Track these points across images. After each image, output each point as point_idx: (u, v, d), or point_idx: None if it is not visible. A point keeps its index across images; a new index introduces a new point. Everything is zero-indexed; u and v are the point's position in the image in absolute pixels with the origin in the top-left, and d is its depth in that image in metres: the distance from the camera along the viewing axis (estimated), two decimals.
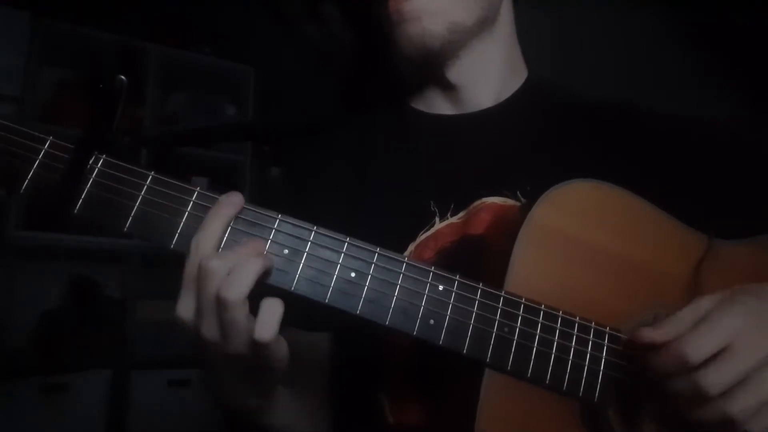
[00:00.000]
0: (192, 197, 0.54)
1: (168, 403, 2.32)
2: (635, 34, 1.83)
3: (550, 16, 1.59)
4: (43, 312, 2.37)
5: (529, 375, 0.56)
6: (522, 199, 0.70)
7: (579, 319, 0.59)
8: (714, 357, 0.51)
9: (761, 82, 1.63)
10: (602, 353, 0.58)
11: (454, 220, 0.71)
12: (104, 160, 0.53)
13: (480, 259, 0.67)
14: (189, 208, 0.54)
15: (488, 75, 0.78)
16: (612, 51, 1.78)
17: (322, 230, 0.55)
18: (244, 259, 0.51)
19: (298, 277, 0.54)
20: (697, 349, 0.51)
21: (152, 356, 2.29)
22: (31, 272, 2.40)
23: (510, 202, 0.70)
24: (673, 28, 1.85)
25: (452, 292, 0.56)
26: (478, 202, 0.71)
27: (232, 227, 0.54)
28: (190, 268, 0.52)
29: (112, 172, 0.53)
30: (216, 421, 2.37)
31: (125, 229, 0.54)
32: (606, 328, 0.59)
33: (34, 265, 2.40)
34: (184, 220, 0.54)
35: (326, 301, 0.54)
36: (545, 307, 0.58)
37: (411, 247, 0.70)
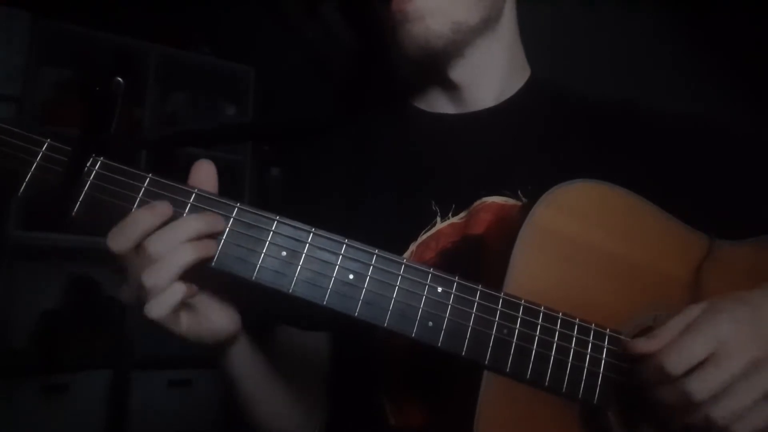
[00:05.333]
0: (190, 199, 0.54)
1: (168, 403, 2.33)
2: (636, 34, 1.82)
3: (551, 15, 1.59)
4: (43, 312, 2.38)
5: (528, 377, 0.56)
6: (523, 199, 0.70)
7: (579, 320, 0.58)
8: (699, 364, 0.52)
9: (761, 82, 1.63)
10: (602, 355, 0.58)
11: (455, 219, 0.71)
12: (102, 163, 0.53)
13: (480, 260, 0.66)
14: (187, 210, 0.54)
15: (491, 74, 0.77)
16: (612, 50, 1.78)
17: (320, 232, 0.55)
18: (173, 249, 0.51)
19: (296, 279, 0.54)
20: (678, 360, 0.52)
21: (152, 356, 2.29)
22: (31, 272, 2.40)
23: (511, 201, 0.70)
24: (673, 27, 1.84)
25: (451, 293, 0.56)
26: (479, 202, 0.71)
27: (230, 229, 0.54)
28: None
29: (109, 174, 0.53)
30: (216, 421, 2.37)
31: None
32: (606, 330, 0.59)
33: (34, 265, 2.41)
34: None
35: (324, 303, 0.54)
36: (545, 308, 0.57)
37: (412, 247, 0.70)
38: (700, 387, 0.51)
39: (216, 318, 0.59)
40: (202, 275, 0.54)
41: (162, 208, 0.52)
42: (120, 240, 0.51)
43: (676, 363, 0.52)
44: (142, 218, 0.51)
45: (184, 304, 0.54)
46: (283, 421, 0.74)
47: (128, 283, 0.53)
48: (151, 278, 0.50)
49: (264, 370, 0.70)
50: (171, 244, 0.51)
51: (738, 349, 0.52)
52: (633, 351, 0.55)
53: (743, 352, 0.52)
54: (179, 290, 0.52)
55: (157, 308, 0.51)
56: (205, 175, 0.57)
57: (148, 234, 0.51)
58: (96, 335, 2.31)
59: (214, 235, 0.54)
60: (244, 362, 0.67)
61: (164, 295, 0.51)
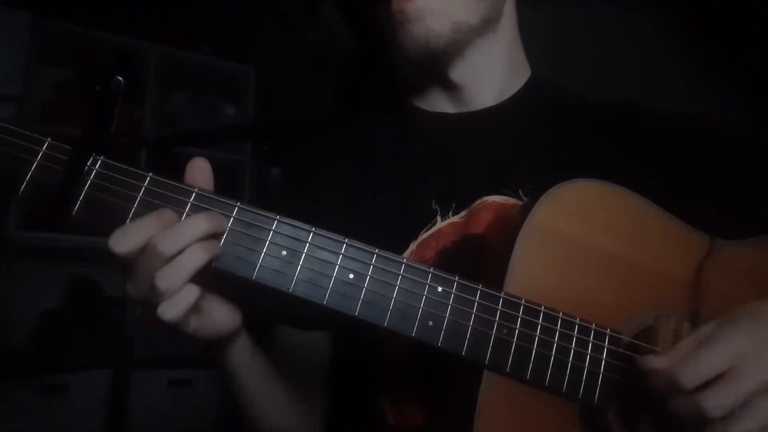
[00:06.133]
0: (190, 198, 0.54)
1: (168, 403, 2.32)
2: (636, 34, 1.82)
3: (551, 15, 1.59)
4: (43, 312, 2.38)
5: (528, 377, 0.56)
6: (523, 198, 0.70)
7: (579, 320, 0.58)
8: (716, 379, 0.51)
9: (761, 82, 1.62)
10: (602, 355, 0.58)
11: (455, 219, 0.71)
12: (102, 162, 0.53)
13: (480, 259, 0.66)
14: (187, 210, 0.54)
15: (491, 74, 0.78)
16: (612, 50, 1.78)
17: (320, 231, 0.55)
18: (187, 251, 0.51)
19: (296, 279, 0.54)
20: (693, 374, 0.51)
21: (152, 356, 2.28)
22: (31, 272, 2.40)
23: (511, 201, 0.70)
24: (673, 27, 1.84)
25: (451, 293, 0.56)
26: (479, 201, 0.71)
27: (230, 228, 0.54)
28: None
29: (110, 173, 0.53)
30: (216, 421, 2.37)
31: None
32: (606, 330, 0.59)
33: (34, 265, 2.40)
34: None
35: (324, 302, 0.54)
36: (545, 308, 0.57)
37: (412, 246, 0.70)
38: (715, 403, 0.50)
39: (218, 316, 0.59)
40: (204, 274, 0.54)
41: (169, 217, 0.52)
42: (123, 242, 0.51)
43: (690, 377, 0.51)
44: (148, 223, 0.51)
45: (196, 306, 0.54)
46: (282, 420, 0.74)
47: (134, 282, 0.52)
48: (165, 281, 0.50)
49: (264, 369, 0.70)
50: (180, 243, 0.51)
51: (754, 364, 0.51)
52: (644, 368, 0.54)
53: (759, 368, 0.51)
54: (193, 292, 0.52)
55: (172, 310, 0.51)
56: (200, 173, 0.56)
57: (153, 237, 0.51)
58: (96, 335, 2.31)
59: (217, 235, 0.54)
60: (244, 361, 0.67)
61: (178, 298, 0.51)
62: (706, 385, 0.51)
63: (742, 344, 0.52)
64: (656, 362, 0.54)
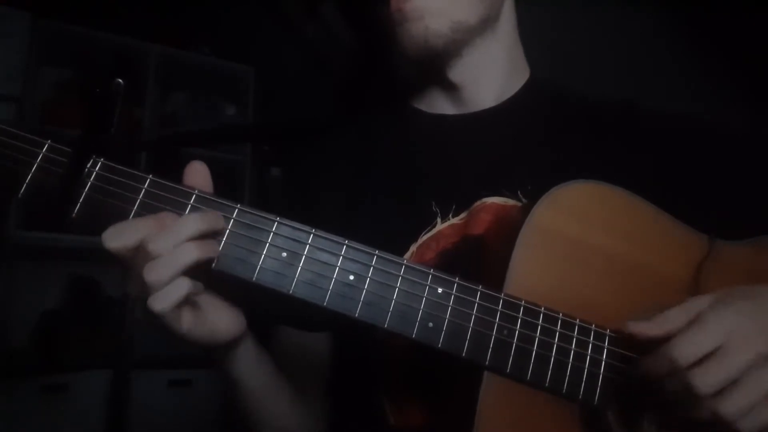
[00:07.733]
0: (190, 200, 0.54)
1: (168, 403, 2.32)
2: (635, 34, 1.82)
3: (551, 15, 1.59)
4: (43, 312, 2.38)
5: (528, 378, 0.56)
6: (523, 199, 0.70)
7: (579, 321, 0.58)
8: (706, 357, 0.52)
9: (761, 82, 1.63)
10: (602, 356, 0.58)
11: (455, 220, 0.71)
12: (102, 164, 0.53)
13: (480, 261, 0.66)
14: (187, 212, 0.54)
15: (490, 74, 0.78)
16: (612, 51, 1.78)
17: (320, 233, 0.55)
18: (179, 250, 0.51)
19: (296, 281, 0.54)
20: (687, 351, 0.52)
21: (152, 356, 2.28)
22: (31, 272, 2.40)
23: (511, 202, 0.70)
24: (673, 27, 1.84)
25: (451, 294, 0.56)
26: (479, 203, 0.71)
27: (230, 230, 0.54)
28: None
29: (110, 175, 0.53)
30: (216, 421, 2.37)
31: None
32: (606, 331, 0.59)
33: (34, 265, 2.40)
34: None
35: (325, 304, 0.54)
36: (545, 309, 0.58)
37: (412, 248, 0.70)
38: (704, 380, 0.51)
39: (218, 320, 0.58)
40: (208, 276, 0.54)
41: (167, 219, 0.52)
42: (115, 239, 0.51)
43: (686, 353, 0.51)
44: (142, 222, 0.51)
45: (189, 302, 0.54)
46: (283, 421, 0.74)
47: (130, 279, 0.52)
48: (152, 274, 0.50)
49: (269, 373, 0.69)
50: (172, 242, 0.50)
51: (744, 342, 0.52)
52: (632, 332, 0.55)
53: (750, 346, 0.52)
54: (184, 285, 0.51)
55: (160, 301, 0.50)
56: (198, 176, 0.56)
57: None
58: (96, 335, 2.31)
59: (216, 236, 0.53)
60: (249, 366, 0.66)
61: (167, 289, 0.51)
62: (697, 363, 0.51)
63: (732, 322, 0.53)
64: (641, 327, 0.54)
